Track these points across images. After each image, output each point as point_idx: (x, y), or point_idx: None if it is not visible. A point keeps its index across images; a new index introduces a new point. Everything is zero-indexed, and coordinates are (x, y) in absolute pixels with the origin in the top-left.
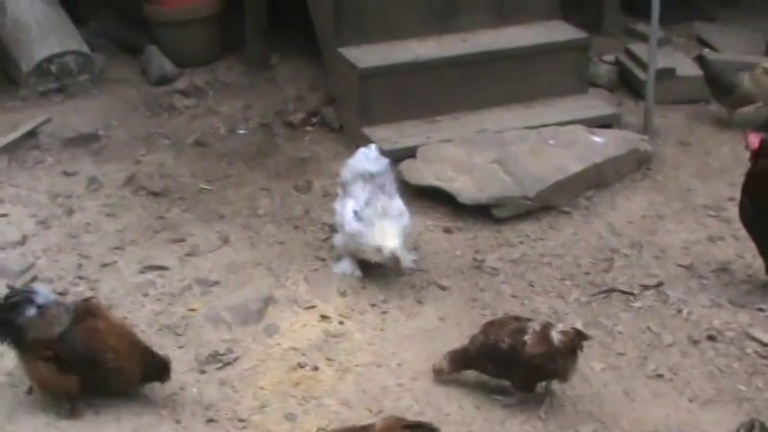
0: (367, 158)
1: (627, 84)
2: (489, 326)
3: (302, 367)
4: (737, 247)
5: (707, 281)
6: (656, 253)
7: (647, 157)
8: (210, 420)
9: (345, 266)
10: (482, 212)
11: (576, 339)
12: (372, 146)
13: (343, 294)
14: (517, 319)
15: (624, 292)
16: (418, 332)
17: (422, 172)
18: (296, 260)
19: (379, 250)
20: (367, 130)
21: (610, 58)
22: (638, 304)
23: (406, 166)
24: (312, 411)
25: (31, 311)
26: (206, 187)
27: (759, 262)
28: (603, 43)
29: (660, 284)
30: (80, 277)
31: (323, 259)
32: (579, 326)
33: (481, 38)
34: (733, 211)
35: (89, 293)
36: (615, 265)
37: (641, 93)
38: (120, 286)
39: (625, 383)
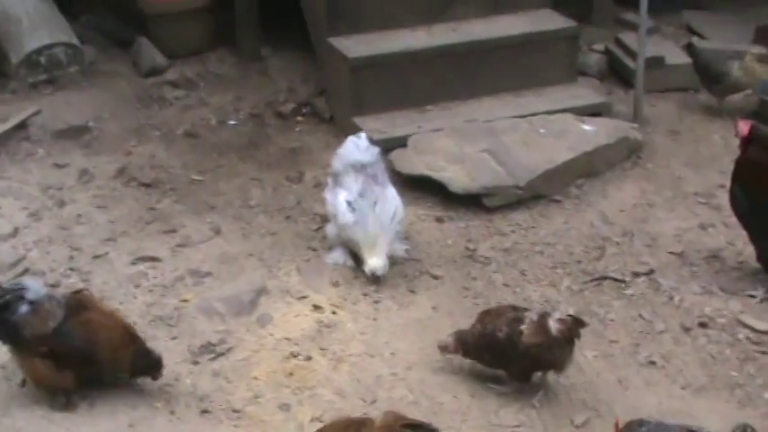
0: (357, 147)
1: (616, 73)
2: (486, 315)
3: (295, 357)
4: (728, 234)
5: (698, 268)
6: (648, 241)
7: (637, 146)
8: (205, 411)
9: (337, 256)
10: (473, 202)
11: (574, 328)
12: (362, 134)
13: (335, 284)
14: (514, 308)
15: (616, 280)
16: (411, 321)
17: (413, 162)
18: (288, 251)
19: (363, 263)
20: (358, 120)
21: (599, 47)
22: (629, 292)
23: (397, 155)
24: (306, 401)
25: (24, 308)
26: (197, 178)
27: (750, 249)
28: (593, 32)
29: (652, 272)
30: (72, 269)
31: (315, 249)
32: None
33: (472, 27)
34: (723, 198)
35: (81, 285)
36: (607, 253)
37: (631, 81)
38: (112, 278)
39: (618, 371)
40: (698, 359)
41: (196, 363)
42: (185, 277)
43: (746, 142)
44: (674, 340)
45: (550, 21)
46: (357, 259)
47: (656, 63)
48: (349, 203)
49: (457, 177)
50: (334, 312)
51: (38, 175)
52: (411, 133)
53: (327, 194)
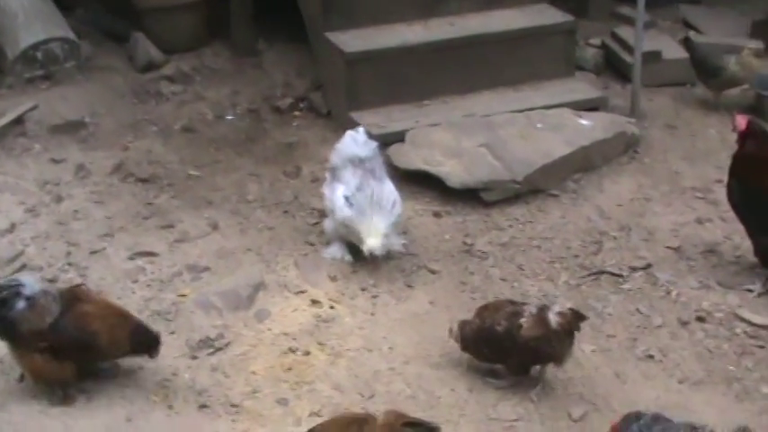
0: (355, 142)
1: (613, 67)
2: (484, 309)
3: (293, 352)
4: (725, 228)
5: (695, 262)
6: (645, 235)
7: (634, 140)
8: (203, 406)
9: (335, 251)
10: (471, 196)
11: (574, 321)
12: (360, 129)
13: (333, 279)
14: (512, 302)
15: (613, 275)
16: (408, 316)
17: (410, 156)
18: (286, 245)
19: (361, 243)
20: (355, 115)
21: (596, 41)
22: (627, 286)
23: (394, 150)
24: (304, 396)
25: (21, 305)
26: (194, 173)
27: (747, 243)
28: (590, 27)
29: (649, 266)
30: (69, 264)
31: (312, 244)
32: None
33: (469, 22)
34: (720, 192)
35: (78, 280)
36: (604, 247)
37: (628, 76)
38: (109, 273)
39: (615, 365)
40: (695, 353)
41: (194, 357)
42: (183, 272)
43: (744, 137)
44: (671, 334)
45: (547, 15)
46: (355, 253)
47: (652, 57)
48: (347, 198)
49: (454, 172)
50: (331, 307)
51: (34, 170)
52: (408, 128)
53: (325, 189)
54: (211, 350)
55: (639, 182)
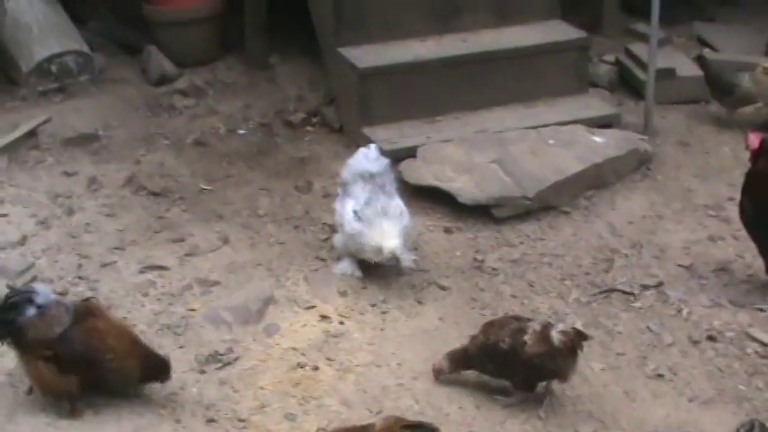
0: (367, 158)
1: (627, 84)
2: (489, 326)
3: (302, 367)
4: (737, 246)
5: (707, 281)
6: (656, 253)
7: (647, 157)
8: (210, 420)
9: (345, 266)
10: (482, 212)
11: (577, 339)
12: (372, 146)
13: (343, 294)
14: (517, 318)
15: (624, 293)
16: (418, 332)
17: (422, 172)
18: (296, 260)
19: (379, 250)
20: (367, 130)
21: (610, 58)
22: (638, 304)
23: (405, 166)
24: (312, 411)
25: (31, 311)
26: (206, 187)
27: (759, 262)
28: (603, 43)
29: (660, 284)
30: (80, 277)
31: (323, 259)
32: (579, 326)
33: (481, 38)
34: (733, 210)
35: (89, 293)
36: (615, 265)
37: (641, 93)
38: (119, 286)
39: (625, 383)
40: (706, 372)
41: (203, 372)
42: (193, 286)
43: (757, 155)
44: (681, 353)
45: (560, 31)
46: (365, 269)
47: (666, 74)
48: (355, 212)
49: (466, 188)
50: (341, 322)
51: (47, 182)
52: (420, 143)
53: (336, 205)
54: (220, 364)
55: (652, 199)
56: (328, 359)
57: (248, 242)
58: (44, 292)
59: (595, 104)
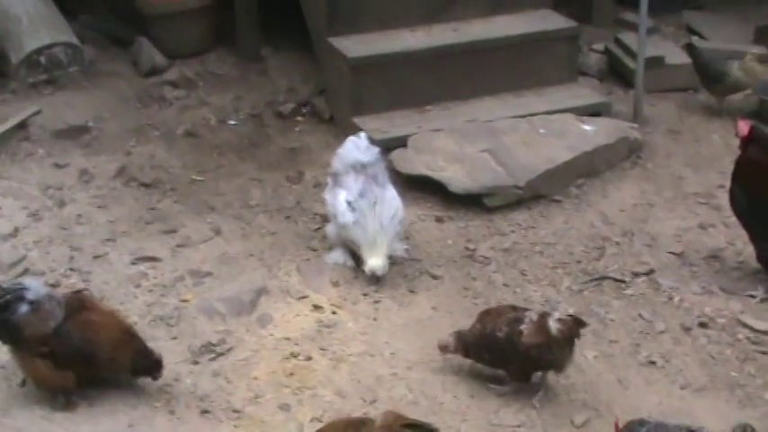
0: (357, 147)
1: (616, 73)
2: (486, 314)
3: (296, 357)
4: (728, 234)
5: (698, 268)
6: (648, 241)
7: (637, 146)
8: (205, 411)
9: (338, 256)
10: (473, 202)
11: (574, 328)
12: (362, 134)
13: (335, 284)
14: (514, 308)
15: (616, 280)
16: (411, 321)
17: (413, 161)
18: (288, 251)
19: (363, 263)
20: (358, 120)
21: (599, 47)
22: (629, 292)
23: (396, 155)
24: (306, 401)
25: (24, 308)
26: (197, 178)
27: (750, 249)
28: (593, 32)
29: (652, 272)
30: (72, 269)
31: (315, 249)
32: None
33: (472, 28)
34: (723, 198)
35: (81, 285)
36: (607, 253)
37: (631, 81)
38: (112, 278)
39: (618, 371)
40: (698, 359)
41: (196, 363)
42: (185, 277)
43: (746, 142)
44: (673, 340)
45: (550, 21)
46: (357, 259)
47: (655, 63)
48: (349, 203)
49: (457, 177)
50: (334, 312)
51: (38, 175)
52: (411, 133)
53: (327, 195)
54: (213, 355)
55: (642, 187)
56: (322, 349)
57: (240, 233)
58: (35, 287)
59: (585, 93)
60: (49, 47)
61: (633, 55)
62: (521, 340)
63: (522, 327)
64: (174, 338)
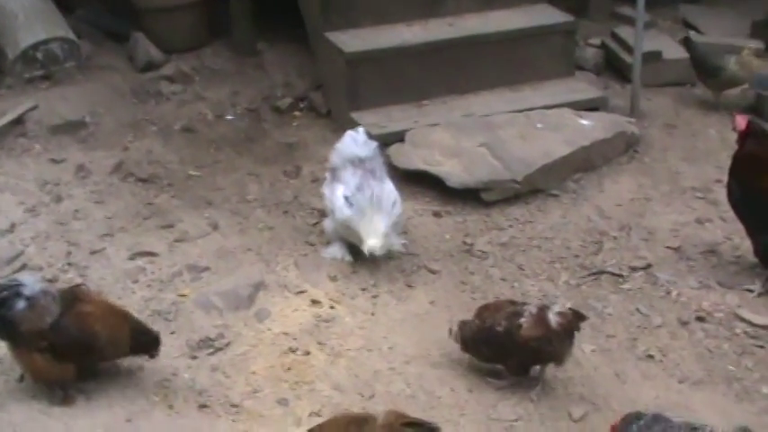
0: (355, 142)
1: (613, 67)
2: (484, 309)
3: (294, 352)
4: (725, 228)
5: (695, 262)
6: (645, 235)
7: (634, 140)
8: (203, 406)
9: (335, 251)
10: (471, 196)
11: (574, 320)
12: (360, 129)
13: (333, 279)
14: (512, 302)
15: (613, 275)
16: (409, 316)
17: (410, 156)
18: (286, 245)
19: (361, 243)
20: (355, 115)
21: (596, 41)
22: (627, 286)
23: (394, 150)
24: (304, 396)
25: (21, 305)
26: (194, 173)
27: (747, 243)
28: (590, 27)
29: (649, 266)
30: (69, 264)
31: (312, 244)
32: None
33: (468, 22)
34: (720, 192)
35: (79, 280)
36: (604, 247)
37: (628, 76)
38: (109, 273)
39: (615, 365)
40: (695, 353)
41: (194, 357)
42: (183, 272)
43: (744, 137)
44: (671, 334)
45: (547, 15)
46: (355, 253)
47: (652, 57)
48: (347, 198)
49: (454, 172)
50: (332, 307)
51: (34, 170)
52: (408, 128)
53: (325, 189)
54: (211, 350)
55: (639, 182)
56: (319, 344)
57: (237, 228)
58: (30, 283)
59: (582, 88)
60: (45, 42)
61: (630, 49)
62: (520, 334)
63: (522, 320)
64: (172, 333)
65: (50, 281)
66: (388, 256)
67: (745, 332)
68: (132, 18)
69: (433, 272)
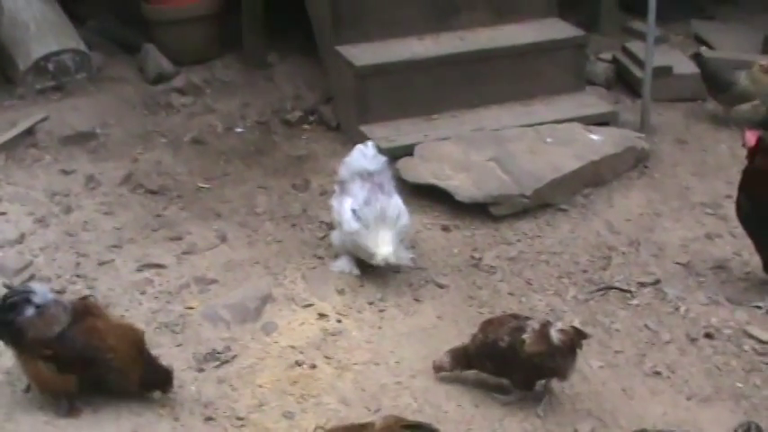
0: (364, 156)
1: (624, 82)
2: (488, 324)
3: (300, 365)
4: (735, 244)
5: (704, 278)
6: (654, 251)
7: (644, 155)
8: (209, 419)
9: (343, 264)
10: (480, 210)
11: (576, 338)
12: (369, 143)
13: (340, 292)
14: (516, 317)
15: (622, 290)
16: (416, 330)
17: (419, 170)
18: (294, 258)
19: (372, 256)
20: (365, 128)
21: (607, 56)
22: (635, 302)
23: (403, 164)
24: (310, 409)
25: (30, 311)
26: (204, 185)
27: (756, 259)
28: (601, 41)
29: (658, 282)
30: (78, 275)
31: (320, 257)
32: (577, 324)
33: (479, 36)
34: (730, 208)
35: (87, 292)
36: (613, 262)
37: (638, 91)
38: (117, 284)
39: (623, 381)
40: (703, 369)
41: (201, 370)
42: (191, 284)
43: (754, 152)
44: (679, 350)
45: (557, 29)
46: (363, 267)
47: (663, 72)
48: (354, 212)
49: (463, 186)
50: (339, 320)
51: (44, 181)
52: (417, 141)
53: (334, 202)
54: (218, 363)
55: (649, 197)
56: (326, 357)
57: (246, 240)
58: (42, 292)
59: (592, 102)
60: (57, 53)
61: (641, 64)
62: (523, 349)
63: (525, 336)
64: (179, 345)
65: (59, 292)
66: (396, 269)
67: (754, 349)
68: (143, 30)
69: (440, 286)
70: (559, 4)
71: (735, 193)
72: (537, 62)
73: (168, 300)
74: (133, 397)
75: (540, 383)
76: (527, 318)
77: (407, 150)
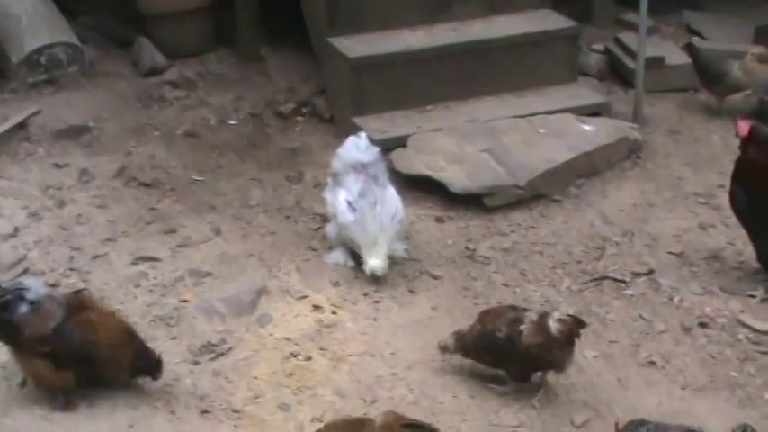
0: (357, 147)
1: (616, 73)
2: (485, 314)
3: (295, 357)
4: (728, 234)
5: (698, 268)
6: (648, 241)
7: (637, 146)
8: (205, 411)
9: (338, 256)
10: (473, 202)
11: (575, 327)
12: (362, 134)
13: (335, 284)
14: (514, 308)
15: (616, 280)
16: (411, 321)
17: (413, 161)
18: (288, 251)
19: (363, 263)
20: (358, 120)
21: (599, 47)
22: (629, 292)
23: (396, 155)
24: (306, 401)
25: (24, 308)
26: (197, 178)
27: (750, 249)
28: (593, 32)
29: (652, 272)
30: (72, 269)
31: (315, 249)
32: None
33: (472, 28)
34: (723, 198)
35: (81, 285)
36: (607, 253)
37: (631, 82)
38: (112, 278)
39: (618, 371)
40: (698, 359)
41: (196, 363)
42: (185, 277)
43: (746, 142)
44: (674, 340)
45: (550, 21)
46: (357, 259)
47: (655, 63)
48: (349, 203)
49: (457, 177)
50: (334, 312)
51: (38, 174)
52: (411, 133)
53: (327, 194)
54: (213, 355)
55: (642, 187)
56: (321, 349)
57: (240, 233)
58: (35, 287)
59: (585, 93)
60: (50, 47)
61: (633, 55)
62: (521, 340)
63: (522, 327)
64: (174, 338)
65: (53, 285)
66: (391, 261)
67: (748, 338)
68: (137, 23)
69: (435, 277)
70: None
71: (728, 184)
72: (530, 54)
73: (163, 293)
74: (128, 389)
75: (537, 375)
76: (525, 309)
77: (401, 142)
